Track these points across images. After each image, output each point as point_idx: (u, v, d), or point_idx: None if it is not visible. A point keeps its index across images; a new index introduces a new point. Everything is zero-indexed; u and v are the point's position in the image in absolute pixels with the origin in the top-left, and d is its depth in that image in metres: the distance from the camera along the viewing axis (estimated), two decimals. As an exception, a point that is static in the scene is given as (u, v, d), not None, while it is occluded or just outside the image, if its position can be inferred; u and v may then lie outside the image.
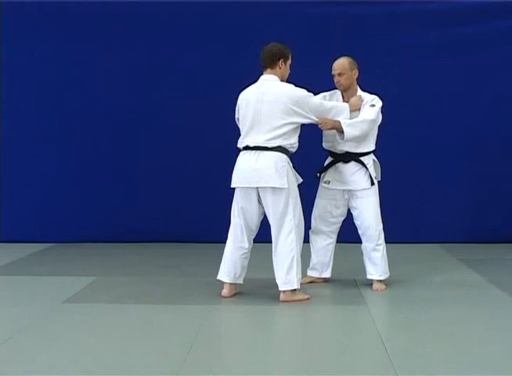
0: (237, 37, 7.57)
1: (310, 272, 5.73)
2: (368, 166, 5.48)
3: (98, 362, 3.86)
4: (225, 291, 5.27)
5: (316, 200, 5.65)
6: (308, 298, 5.18)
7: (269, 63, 5.18)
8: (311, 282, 5.69)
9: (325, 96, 5.60)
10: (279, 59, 5.18)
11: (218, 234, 7.56)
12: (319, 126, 5.28)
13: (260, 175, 5.02)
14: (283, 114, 5.02)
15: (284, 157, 5.05)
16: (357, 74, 5.54)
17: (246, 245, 5.26)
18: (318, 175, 5.60)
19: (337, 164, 5.51)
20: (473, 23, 7.55)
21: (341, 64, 5.48)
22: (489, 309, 5.00)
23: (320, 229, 5.65)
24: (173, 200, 7.67)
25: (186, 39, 7.65)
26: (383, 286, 5.50)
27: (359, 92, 5.58)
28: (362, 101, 5.48)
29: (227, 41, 7.59)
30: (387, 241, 7.43)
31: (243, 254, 5.26)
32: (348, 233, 7.61)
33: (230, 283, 5.27)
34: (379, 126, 5.59)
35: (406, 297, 5.34)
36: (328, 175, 5.56)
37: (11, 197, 7.87)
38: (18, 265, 6.66)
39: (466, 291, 5.54)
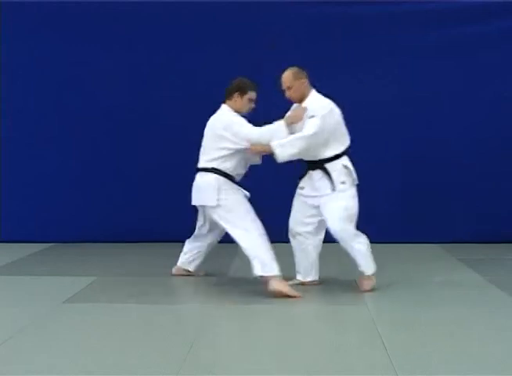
0: (237, 37, 7.58)
1: (297, 276, 5.70)
2: (332, 172, 5.37)
3: (98, 362, 3.86)
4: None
5: (292, 204, 5.65)
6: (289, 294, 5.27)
7: (227, 95, 5.61)
8: (301, 284, 5.62)
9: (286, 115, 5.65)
10: (235, 92, 5.55)
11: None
12: (251, 151, 5.46)
13: (198, 195, 5.60)
14: (217, 139, 5.50)
15: (221, 178, 5.46)
16: (305, 83, 5.44)
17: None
18: (298, 181, 5.62)
19: (309, 171, 5.52)
20: (473, 23, 7.56)
21: (286, 77, 5.44)
22: (489, 309, 5.00)
23: (296, 231, 5.59)
24: (173, 200, 7.66)
25: (186, 39, 7.66)
26: (367, 282, 5.50)
27: (314, 99, 5.45)
28: (306, 111, 5.39)
29: (227, 41, 7.60)
30: (387, 241, 7.51)
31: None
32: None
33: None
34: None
35: (406, 297, 5.34)
36: (302, 182, 5.57)
37: (11, 197, 7.88)
38: (18, 265, 6.66)
39: (466, 291, 5.54)
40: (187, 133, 7.68)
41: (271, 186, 7.12)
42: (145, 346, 4.14)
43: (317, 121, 5.29)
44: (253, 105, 5.62)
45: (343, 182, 5.39)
